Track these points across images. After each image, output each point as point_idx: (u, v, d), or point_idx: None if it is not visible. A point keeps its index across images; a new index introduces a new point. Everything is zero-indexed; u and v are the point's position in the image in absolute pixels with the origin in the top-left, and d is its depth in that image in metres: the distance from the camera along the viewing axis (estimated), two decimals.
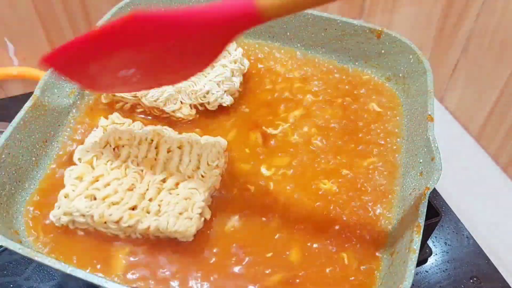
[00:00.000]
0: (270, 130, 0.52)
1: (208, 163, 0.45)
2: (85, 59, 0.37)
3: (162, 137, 0.46)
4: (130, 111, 0.53)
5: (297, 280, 0.41)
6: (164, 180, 0.43)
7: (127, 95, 0.52)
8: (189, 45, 0.34)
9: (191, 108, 0.53)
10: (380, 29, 0.57)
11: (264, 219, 0.45)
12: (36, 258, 0.36)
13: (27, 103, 0.46)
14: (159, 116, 0.53)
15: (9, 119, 0.45)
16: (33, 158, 0.47)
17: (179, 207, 0.41)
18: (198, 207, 0.42)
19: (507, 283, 0.58)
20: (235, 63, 0.55)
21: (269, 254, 0.42)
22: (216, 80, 0.53)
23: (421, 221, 0.39)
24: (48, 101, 0.49)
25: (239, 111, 0.54)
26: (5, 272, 0.55)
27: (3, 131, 0.44)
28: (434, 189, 0.47)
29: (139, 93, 0.51)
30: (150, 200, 0.42)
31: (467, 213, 0.67)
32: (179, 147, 0.46)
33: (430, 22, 0.88)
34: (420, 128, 0.49)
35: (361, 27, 0.58)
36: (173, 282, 0.40)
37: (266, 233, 0.44)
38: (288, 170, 0.49)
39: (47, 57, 0.39)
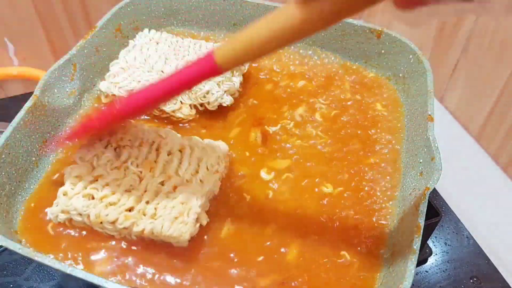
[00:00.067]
0: (270, 130, 0.52)
1: (207, 168, 0.45)
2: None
3: (163, 139, 0.46)
4: None
5: (296, 281, 0.41)
6: (162, 183, 0.43)
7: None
8: None
9: (191, 108, 0.53)
10: (380, 29, 0.57)
11: (261, 223, 0.44)
12: (36, 258, 0.36)
13: (27, 103, 0.46)
14: (159, 116, 0.53)
15: (9, 119, 0.45)
16: (33, 158, 0.47)
17: (175, 211, 0.41)
18: (194, 212, 0.41)
19: (507, 283, 0.58)
20: None
21: (261, 258, 0.42)
22: (216, 80, 0.53)
23: (421, 221, 0.39)
24: (48, 101, 0.49)
25: (239, 111, 0.54)
26: (5, 272, 0.55)
27: (3, 131, 0.44)
28: (434, 189, 0.47)
29: None
30: (147, 202, 0.42)
31: (467, 213, 0.67)
32: (180, 150, 0.46)
33: (430, 22, 0.88)
34: (420, 128, 0.49)
35: (361, 27, 0.58)
36: (164, 286, 0.40)
37: (263, 238, 0.43)
38: (289, 172, 0.49)
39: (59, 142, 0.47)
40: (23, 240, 0.42)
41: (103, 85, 0.52)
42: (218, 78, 0.53)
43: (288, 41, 0.34)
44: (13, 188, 0.44)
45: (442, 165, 0.42)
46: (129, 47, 0.56)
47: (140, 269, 0.40)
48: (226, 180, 0.47)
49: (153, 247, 0.42)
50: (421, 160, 0.46)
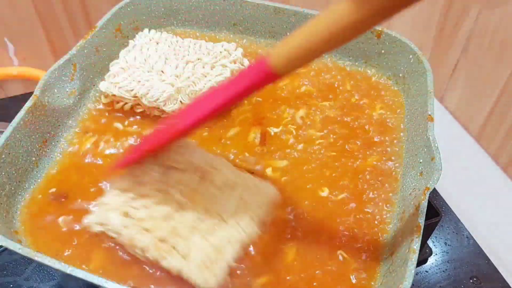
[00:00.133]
0: (271, 131, 0.52)
1: (251, 214, 0.41)
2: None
3: (215, 170, 0.43)
4: (130, 111, 0.53)
5: (294, 282, 0.41)
6: (202, 219, 0.40)
7: (127, 95, 0.52)
8: None
9: None
10: (380, 29, 0.57)
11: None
12: (36, 258, 0.36)
13: (27, 103, 0.46)
14: (159, 116, 0.53)
15: (9, 119, 0.45)
16: (33, 158, 0.47)
17: (207, 256, 0.38)
18: (226, 265, 0.38)
19: (507, 283, 0.58)
20: (234, 63, 0.55)
21: (258, 259, 0.42)
22: (216, 80, 0.53)
23: (421, 221, 0.39)
24: (48, 101, 0.49)
25: (239, 111, 0.54)
26: (5, 272, 0.55)
27: (3, 131, 0.44)
28: (434, 189, 0.47)
29: (139, 93, 0.51)
30: (181, 237, 0.39)
31: (467, 213, 0.67)
32: (230, 187, 0.43)
33: (430, 22, 0.88)
34: (420, 128, 0.49)
35: None
36: None
37: (261, 238, 0.43)
38: (287, 172, 0.49)
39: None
40: (23, 240, 0.42)
41: (103, 85, 0.52)
42: (218, 78, 0.53)
43: (344, 40, 0.32)
44: (13, 188, 0.44)
45: (442, 165, 0.42)
46: (129, 47, 0.56)
47: None
48: None
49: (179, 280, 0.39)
50: (421, 160, 0.46)
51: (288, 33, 0.61)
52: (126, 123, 0.52)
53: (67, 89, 0.52)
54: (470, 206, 0.70)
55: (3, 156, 0.43)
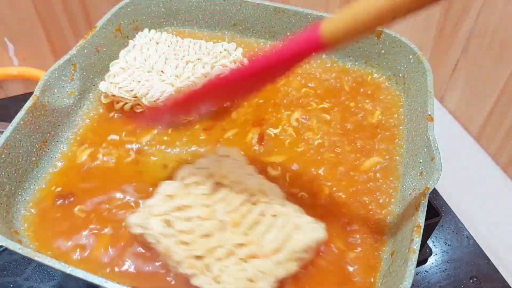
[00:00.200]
0: (269, 131, 0.52)
1: (292, 252, 0.40)
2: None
3: (265, 197, 0.42)
4: (130, 111, 0.53)
5: (294, 282, 0.41)
6: (241, 245, 0.39)
7: (127, 95, 0.52)
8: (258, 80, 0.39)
9: None
10: (380, 29, 0.57)
11: None
12: (36, 258, 0.36)
13: (27, 103, 0.46)
14: None
15: (9, 119, 0.45)
16: (33, 158, 0.47)
17: (239, 285, 0.37)
18: None
19: (507, 283, 0.58)
20: (234, 63, 0.55)
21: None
22: None
23: (421, 221, 0.39)
24: (48, 101, 0.49)
25: (239, 111, 0.54)
26: (5, 272, 0.55)
27: (3, 131, 0.44)
28: (434, 189, 0.47)
29: (139, 93, 0.51)
30: (217, 259, 0.39)
31: (467, 213, 0.67)
32: (274, 216, 0.42)
33: (430, 22, 0.88)
34: (420, 128, 0.49)
35: None
36: None
37: None
38: (285, 170, 0.49)
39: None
40: (23, 240, 0.42)
41: (102, 85, 0.52)
42: None
43: (404, 12, 0.31)
44: (13, 188, 0.44)
45: (442, 165, 0.42)
46: (129, 47, 0.56)
47: None
48: None
49: None
50: (421, 160, 0.46)
51: (288, 33, 0.61)
52: (123, 134, 0.52)
53: (67, 89, 0.52)
54: (470, 206, 0.70)
55: (3, 156, 0.43)
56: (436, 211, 0.51)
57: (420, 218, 0.39)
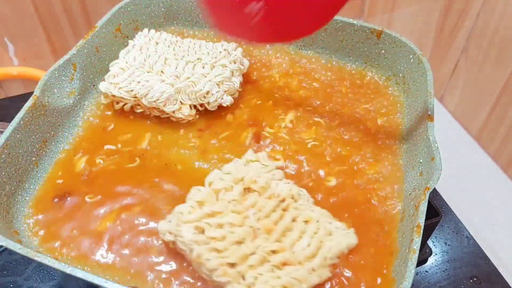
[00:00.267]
0: (267, 130, 0.52)
1: (325, 258, 0.40)
2: None
3: (296, 202, 0.43)
4: (130, 111, 0.53)
5: None
6: (274, 252, 0.39)
7: (127, 96, 0.51)
8: None
9: (191, 108, 0.52)
10: (380, 29, 0.57)
11: None
12: (36, 258, 0.36)
13: (27, 103, 0.46)
14: (159, 117, 0.53)
15: (9, 119, 0.45)
16: (33, 158, 0.47)
17: None
18: None
19: (507, 283, 0.58)
20: (234, 63, 0.55)
21: None
22: (216, 81, 0.53)
23: (421, 221, 0.39)
24: (48, 101, 0.49)
25: (239, 111, 0.54)
26: (5, 272, 0.55)
27: (3, 131, 0.44)
28: (434, 189, 0.47)
29: (139, 94, 0.51)
30: (250, 266, 0.38)
31: (467, 213, 0.67)
32: (306, 221, 0.42)
33: (430, 22, 0.88)
34: (420, 128, 0.49)
35: (361, 27, 0.58)
36: None
37: None
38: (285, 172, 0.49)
39: None
40: (23, 240, 0.42)
41: (102, 86, 0.52)
42: (218, 78, 0.53)
43: None
44: (13, 188, 0.44)
45: (442, 165, 0.42)
46: (128, 47, 0.56)
47: None
48: None
49: None
50: (421, 160, 0.46)
51: None
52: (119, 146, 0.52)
53: (67, 89, 0.52)
54: (470, 206, 0.70)
55: (3, 156, 0.43)
56: (436, 211, 0.51)
57: (420, 218, 0.39)
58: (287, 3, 0.39)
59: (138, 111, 0.53)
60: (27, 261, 0.55)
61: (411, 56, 0.56)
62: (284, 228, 0.41)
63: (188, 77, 0.53)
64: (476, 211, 0.70)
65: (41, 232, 0.43)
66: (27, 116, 0.46)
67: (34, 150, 0.47)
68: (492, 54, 0.77)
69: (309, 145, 0.51)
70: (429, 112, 0.48)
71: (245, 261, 0.38)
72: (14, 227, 0.42)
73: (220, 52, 0.56)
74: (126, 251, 0.42)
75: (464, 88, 0.85)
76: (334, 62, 0.61)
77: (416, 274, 0.58)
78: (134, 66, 0.53)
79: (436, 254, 0.61)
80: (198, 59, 0.55)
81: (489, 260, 0.60)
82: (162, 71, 0.53)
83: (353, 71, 0.60)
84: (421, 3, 0.86)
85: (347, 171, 0.49)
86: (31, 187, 0.46)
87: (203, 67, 0.54)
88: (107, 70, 0.54)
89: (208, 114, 0.53)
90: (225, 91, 0.53)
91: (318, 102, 0.56)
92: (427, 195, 0.40)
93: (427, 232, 0.54)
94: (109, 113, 0.53)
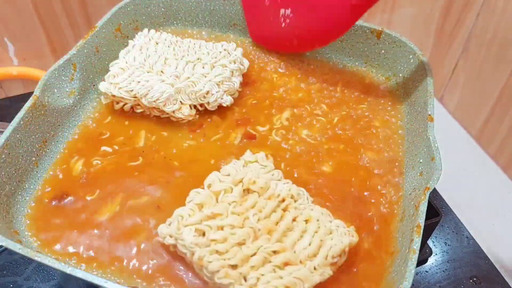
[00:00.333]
0: (266, 130, 0.52)
1: (327, 257, 0.40)
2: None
3: (295, 202, 0.43)
4: (130, 111, 0.53)
5: None
6: (275, 252, 0.39)
7: (127, 96, 0.52)
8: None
9: (191, 108, 0.52)
10: (380, 29, 0.57)
11: None
12: (36, 258, 0.36)
13: (27, 103, 0.46)
14: (159, 116, 0.53)
15: (9, 119, 0.45)
16: (33, 158, 0.47)
17: None
18: None
19: (507, 283, 0.58)
20: (234, 63, 0.55)
21: None
22: (216, 81, 0.53)
23: (421, 221, 0.39)
24: (48, 101, 0.49)
25: (239, 111, 0.54)
26: (5, 272, 0.55)
27: (3, 131, 0.44)
28: (434, 189, 0.47)
29: (139, 94, 0.51)
30: (252, 267, 0.38)
31: (467, 213, 0.67)
32: (306, 221, 0.42)
33: (430, 22, 0.88)
34: (420, 128, 0.49)
35: (361, 27, 0.58)
36: None
37: None
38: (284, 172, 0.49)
39: None
40: (23, 240, 0.42)
41: (102, 86, 0.52)
42: (218, 78, 0.53)
43: None
44: (13, 188, 0.44)
45: (442, 165, 0.42)
46: (128, 47, 0.56)
47: None
48: None
49: None
50: (421, 160, 0.46)
51: None
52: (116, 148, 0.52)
53: (67, 89, 0.52)
54: (470, 206, 0.70)
55: (3, 156, 0.43)
56: (436, 211, 0.51)
57: (420, 218, 0.39)
58: (310, 12, 0.40)
59: (138, 111, 0.53)
60: (27, 261, 0.55)
61: (411, 56, 0.56)
62: (284, 228, 0.41)
63: (188, 77, 0.53)
64: (476, 211, 0.70)
65: (41, 232, 0.43)
66: (27, 116, 0.46)
67: (34, 150, 0.47)
68: (492, 54, 0.77)
69: (306, 144, 0.51)
70: (429, 112, 0.48)
71: (247, 262, 0.38)
72: (14, 227, 0.42)
73: (220, 52, 0.56)
74: (126, 251, 0.42)
75: (464, 88, 0.85)
76: (334, 62, 0.61)
77: (416, 274, 0.58)
78: (134, 66, 0.53)
79: (436, 254, 0.61)
80: (198, 59, 0.55)
81: (489, 260, 0.60)
82: (162, 71, 0.53)
83: (353, 71, 0.60)
84: (421, 3, 0.86)
85: (346, 171, 0.49)
86: (31, 187, 0.46)
87: (203, 67, 0.54)
88: (107, 70, 0.54)
89: (208, 114, 0.54)
90: (225, 91, 0.53)
91: (316, 103, 0.56)
92: (427, 195, 0.40)
93: (427, 232, 0.54)
94: (109, 114, 0.53)
